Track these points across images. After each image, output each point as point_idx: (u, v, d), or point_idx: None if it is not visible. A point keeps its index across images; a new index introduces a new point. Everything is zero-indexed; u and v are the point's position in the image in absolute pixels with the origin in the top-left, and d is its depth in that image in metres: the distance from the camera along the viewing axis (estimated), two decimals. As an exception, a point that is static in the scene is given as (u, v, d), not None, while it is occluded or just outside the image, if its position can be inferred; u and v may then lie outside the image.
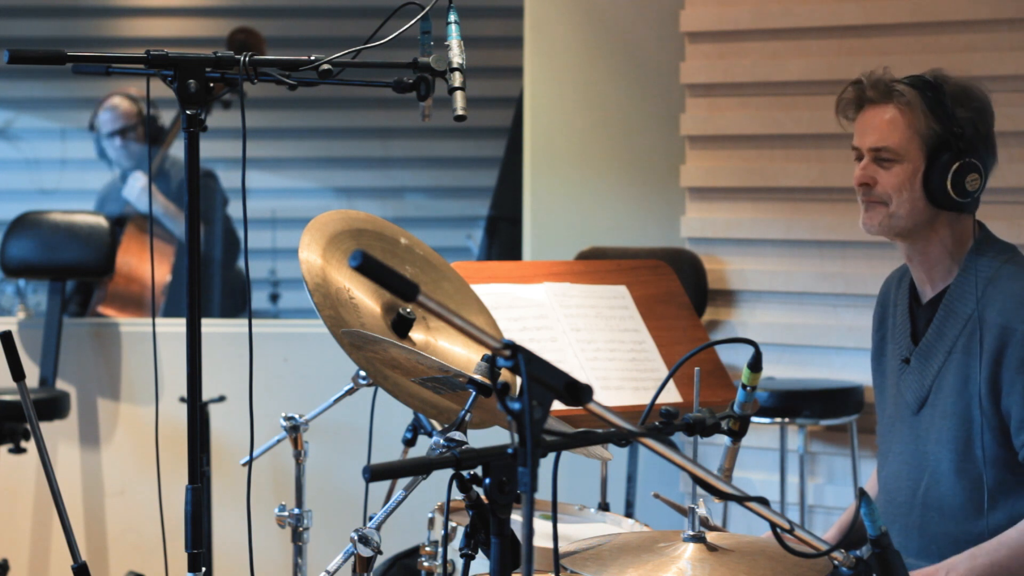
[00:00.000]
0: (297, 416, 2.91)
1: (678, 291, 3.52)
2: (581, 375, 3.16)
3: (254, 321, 2.59)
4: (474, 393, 2.22)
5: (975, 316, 2.66)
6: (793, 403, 4.18)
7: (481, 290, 2.84)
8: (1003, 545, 2.61)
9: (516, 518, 2.43)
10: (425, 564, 2.81)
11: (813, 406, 4.18)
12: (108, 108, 5.76)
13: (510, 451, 1.74)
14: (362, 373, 2.84)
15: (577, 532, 2.84)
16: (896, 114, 2.70)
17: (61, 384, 4.93)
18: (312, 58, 2.43)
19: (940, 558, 2.67)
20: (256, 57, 2.42)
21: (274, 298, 7.38)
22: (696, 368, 2.23)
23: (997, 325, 2.64)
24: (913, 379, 2.76)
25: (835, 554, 1.97)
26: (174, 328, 4.80)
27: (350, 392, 2.93)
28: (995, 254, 2.72)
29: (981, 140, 2.69)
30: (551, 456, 1.83)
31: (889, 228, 2.73)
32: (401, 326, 2.48)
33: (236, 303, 6.00)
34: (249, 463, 2.51)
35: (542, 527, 2.77)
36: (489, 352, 1.72)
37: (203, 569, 2.39)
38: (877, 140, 2.71)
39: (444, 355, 2.48)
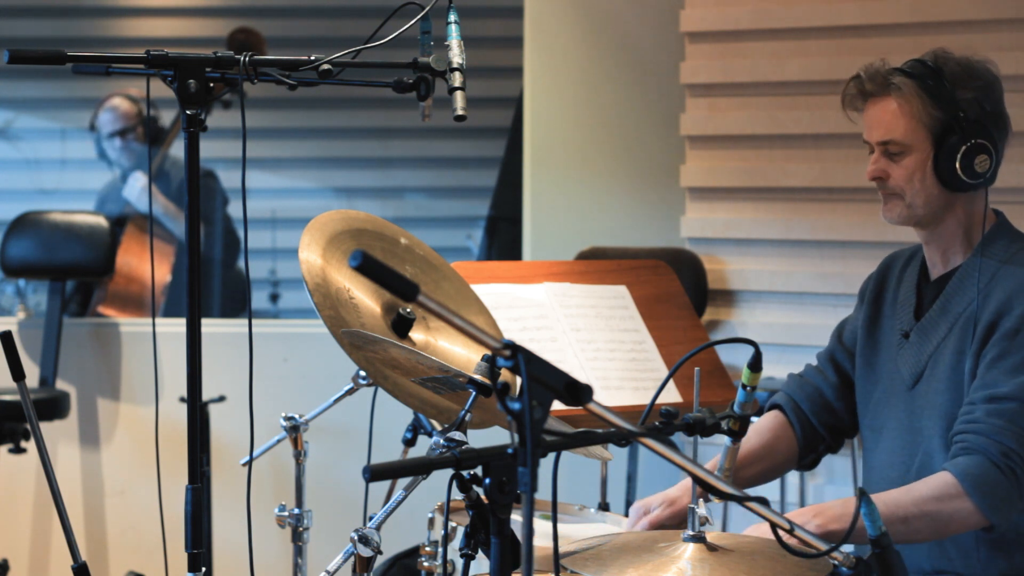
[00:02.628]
0: (297, 416, 2.91)
1: (678, 291, 3.52)
2: (581, 375, 3.17)
3: (254, 321, 2.59)
4: (474, 393, 2.21)
5: (980, 296, 2.66)
6: (793, 403, 4.18)
7: (481, 290, 2.84)
8: (879, 499, 2.55)
9: (516, 518, 2.43)
10: (425, 564, 2.81)
11: (813, 406, 4.17)
12: (108, 109, 5.76)
13: (510, 451, 1.74)
14: (362, 373, 2.83)
15: (577, 532, 2.84)
16: (897, 106, 2.70)
17: (61, 384, 4.94)
18: (312, 58, 2.43)
19: None
20: (256, 57, 2.42)
21: (274, 298, 7.38)
22: (696, 368, 2.23)
23: (999, 301, 2.64)
24: (911, 354, 2.76)
25: (835, 554, 1.97)
26: (174, 328, 4.80)
27: (350, 392, 2.92)
28: (1009, 241, 2.73)
29: (988, 118, 2.68)
30: (551, 456, 1.83)
31: (908, 218, 2.74)
32: (401, 326, 2.48)
33: (236, 303, 6.00)
34: (249, 463, 2.51)
35: (542, 527, 2.77)
36: (489, 352, 1.72)
37: (203, 569, 2.38)
38: (883, 134, 2.71)
39: (444, 355, 2.48)
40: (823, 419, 2.92)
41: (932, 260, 2.80)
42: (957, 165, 2.67)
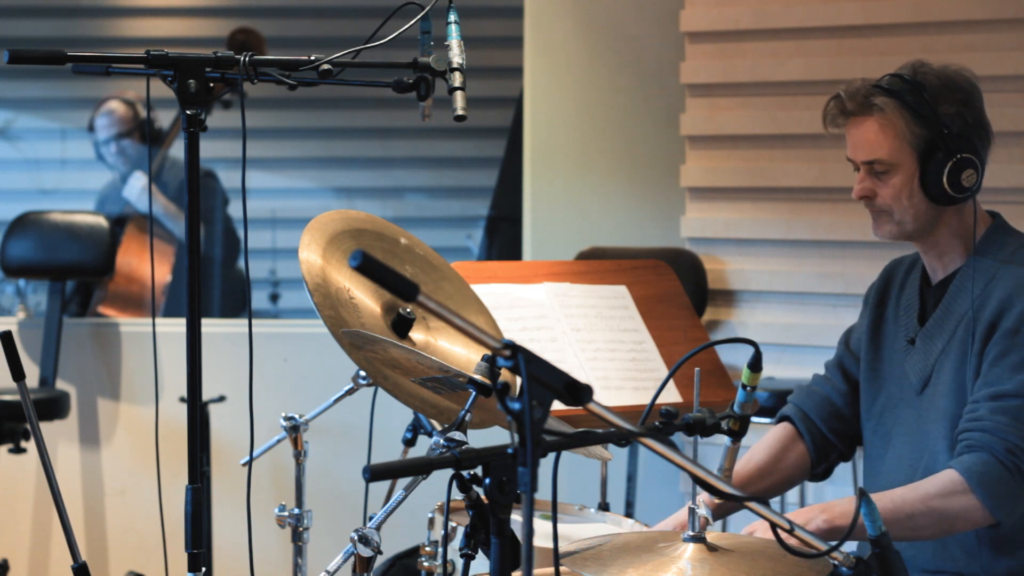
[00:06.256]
0: (297, 416, 2.91)
1: (678, 291, 3.52)
2: (581, 375, 3.16)
3: (254, 321, 2.59)
4: (474, 393, 2.21)
5: (979, 298, 2.66)
6: (793, 403, 4.18)
7: (481, 290, 2.84)
8: (885, 497, 2.56)
9: (516, 518, 2.43)
10: (425, 564, 2.81)
11: (813, 406, 4.17)
12: (104, 113, 5.76)
13: (510, 451, 1.74)
14: (362, 373, 2.84)
15: (577, 532, 2.84)
16: (879, 126, 2.68)
17: (61, 384, 4.94)
18: (312, 58, 2.43)
19: None
20: (256, 57, 2.42)
21: (274, 298, 7.38)
22: (696, 368, 2.22)
23: (999, 300, 2.64)
24: (917, 359, 2.76)
25: (835, 554, 1.97)
26: (174, 328, 4.80)
27: (350, 392, 2.93)
28: (1007, 241, 2.72)
29: (971, 130, 2.67)
30: (551, 456, 1.83)
31: (900, 234, 2.74)
32: (401, 326, 2.48)
33: (236, 303, 6.00)
34: (249, 463, 2.51)
35: (542, 527, 2.77)
36: (489, 352, 1.72)
37: (203, 569, 2.39)
38: (867, 154, 2.71)
39: (444, 355, 2.48)
40: (834, 427, 2.91)
41: (932, 266, 2.80)
42: (944, 181, 2.66)
